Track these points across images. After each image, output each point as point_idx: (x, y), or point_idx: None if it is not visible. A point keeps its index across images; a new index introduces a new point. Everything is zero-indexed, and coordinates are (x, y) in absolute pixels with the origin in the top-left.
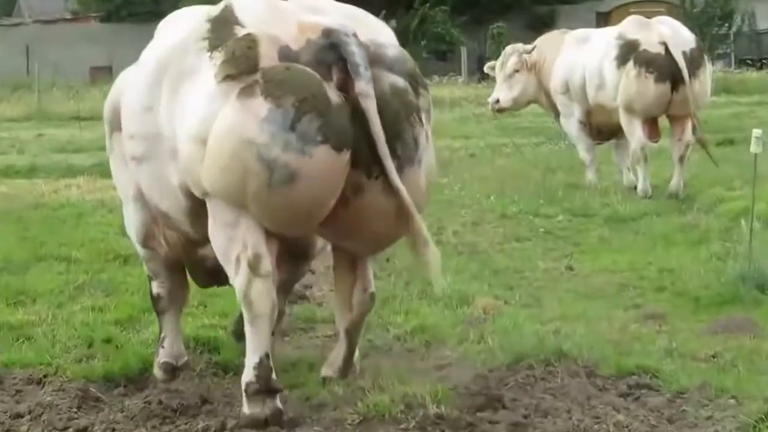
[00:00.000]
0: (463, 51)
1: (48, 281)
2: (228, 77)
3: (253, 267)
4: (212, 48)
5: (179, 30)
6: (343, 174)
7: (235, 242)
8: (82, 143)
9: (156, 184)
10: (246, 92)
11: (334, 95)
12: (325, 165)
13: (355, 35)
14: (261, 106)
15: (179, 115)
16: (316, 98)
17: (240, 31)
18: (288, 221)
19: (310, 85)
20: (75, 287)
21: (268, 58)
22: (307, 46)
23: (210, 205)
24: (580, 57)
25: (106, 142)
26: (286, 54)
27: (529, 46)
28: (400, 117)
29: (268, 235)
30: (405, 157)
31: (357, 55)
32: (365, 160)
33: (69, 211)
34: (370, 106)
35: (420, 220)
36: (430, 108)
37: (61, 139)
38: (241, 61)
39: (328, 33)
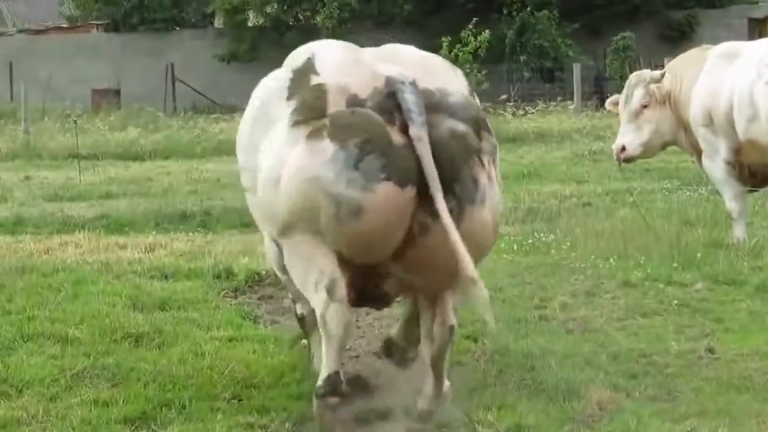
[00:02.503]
0: (576, 69)
1: (38, 367)
2: (298, 122)
3: (330, 292)
4: (290, 96)
5: (281, 73)
6: (407, 209)
7: (312, 270)
8: (81, 189)
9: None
10: (314, 135)
11: (396, 136)
12: (388, 199)
13: (412, 83)
14: (327, 146)
15: (265, 153)
16: (378, 139)
17: (315, 81)
18: (359, 250)
19: (372, 127)
20: (72, 375)
21: (335, 105)
22: (373, 93)
23: (286, 241)
24: (726, 79)
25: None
26: (353, 101)
27: (657, 73)
28: (458, 159)
29: (342, 265)
30: (464, 197)
31: (410, 102)
32: (430, 200)
33: (64, 276)
34: (423, 149)
35: (468, 259)
36: (494, 151)
37: (54, 184)
38: (309, 108)
39: (388, 81)
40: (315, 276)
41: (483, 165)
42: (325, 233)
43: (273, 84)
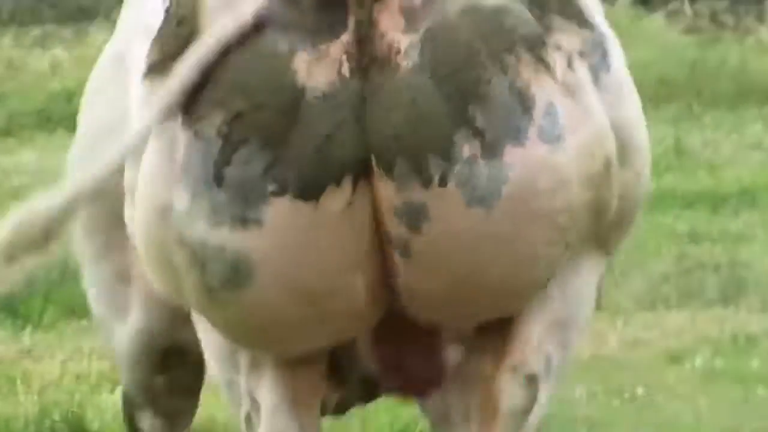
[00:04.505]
0: None
1: None
2: (151, 69)
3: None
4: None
5: None
6: (341, 228)
7: (239, 396)
8: None
9: None
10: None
11: (323, 74)
12: (292, 233)
13: None
14: (179, 136)
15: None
16: (267, 105)
17: None
18: (276, 340)
19: (260, 77)
20: None
21: (222, 10)
22: None
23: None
24: None
25: None
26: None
27: None
28: (475, 55)
29: (299, 368)
30: (493, 128)
31: None
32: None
33: None
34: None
35: None
36: (585, 51)
37: None
38: (168, 30)
39: None
40: (244, 412)
41: (547, 68)
42: (205, 317)
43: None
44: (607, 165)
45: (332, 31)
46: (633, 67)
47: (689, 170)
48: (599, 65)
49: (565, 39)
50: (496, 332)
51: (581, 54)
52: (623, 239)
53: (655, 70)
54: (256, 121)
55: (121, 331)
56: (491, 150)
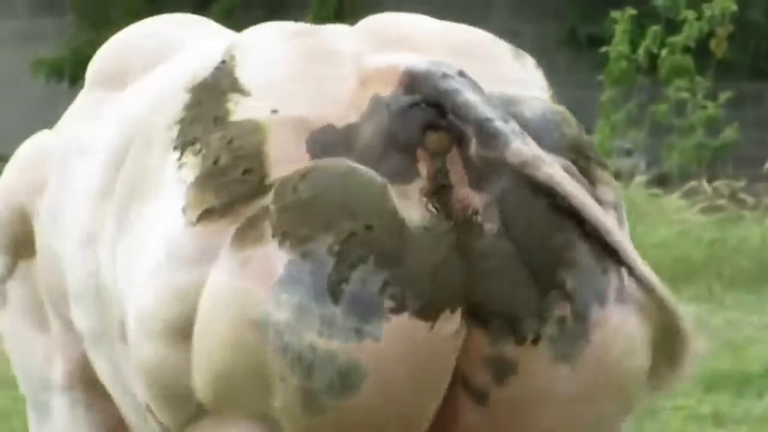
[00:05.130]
0: None
1: None
2: (208, 214)
3: None
4: (183, 144)
5: (161, 78)
6: (448, 355)
7: None
8: None
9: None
10: (245, 236)
11: (415, 210)
12: (407, 348)
13: (463, 74)
14: (274, 258)
15: (129, 270)
16: (377, 226)
17: (238, 108)
18: None
19: (364, 201)
20: None
21: (287, 162)
22: (373, 111)
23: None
24: None
25: None
26: (325, 143)
27: None
28: (554, 222)
29: None
30: (581, 290)
31: (478, 105)
32: (508, 316)
33: None
34: (554, 173)
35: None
36: (618, 205)
37: None
38: (230, 179)
39: (411, 79)
40: None
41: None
42: (283, 422)
43: (143, 114)
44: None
45: (403, 179)
46: (651, 247)
47: (711, 351)
48: (622, 219)
49: (606, 192)
50: None
51: (615, 208)
52: None
53: (673, 250)
54: (371, 240)
55: None
56: (579, 312)
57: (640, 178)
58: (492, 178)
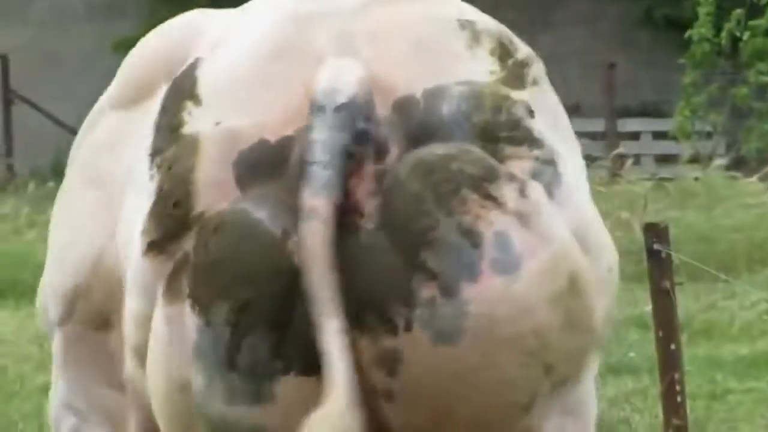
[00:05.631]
0: None
1: None
2: (151, 247)
3: None
4: (153, 154)
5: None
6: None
7: None
8: None
9: None
10: (171, 288)
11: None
12: (300, 404)
13: (340, 108)
14: (189, 321)
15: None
16: (267, 294)
17: (190, 119)
18: None
19: (257, 267)
20: None
21: (212, 189)
22: (301, 134)
23: None
24: None
25: None
26: (254, 160)
27: None
28: (422, 204)
29: None
30: (447, 269)
31: (316, 146)
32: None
33: None
34: (310, 236)
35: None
36: (539, 172)
37: None
38: (166, 212)
39: (314, 102)
40: None
41: (496, 202)
42: None
43: (105, 130)
44: (574, 278)
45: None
46: (728, 231)
47: None
48: (552, 181)
49: (518, 166)
50: None
51: (534, 175)
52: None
53: (750, 233)
54: (262, 309)
55: None
56: (448, 289)
57: (719, 161)
58: (386, 181)
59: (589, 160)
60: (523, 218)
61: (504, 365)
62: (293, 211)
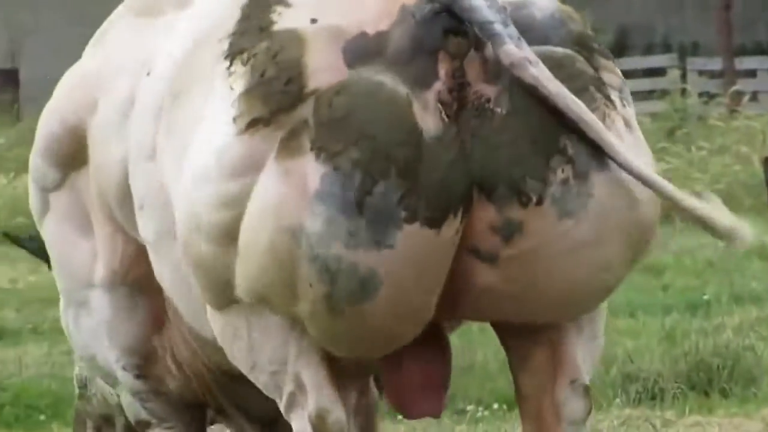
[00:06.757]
0: None
1: None
2: (255, 123)
3: (318, 426)
4: (233, 54)
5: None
6: (449, 252)
7: (284, 380)
8: None
9: (174, 276)
10: (287, 146)
11: (431, 120)
12: (416, 255)
13: None
14: (312, 170)
15: (175, 170)
16: (397, 142)
17: (281, 19)
18: (366, 347)
19: (388, 118)
20: None
21: (324, 71)
22: (401, 20)
23: (241, 317)
24: None
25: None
26: (359, 50)
27: None
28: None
29: (344, 370)
30: (584, 156)
31: (482, 9)
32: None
33: None
34: (539, 75)
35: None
36: (623, 88)
37: None
38: (274, 90)
39: None
40: (290, 389)
41: (613, 104)
42: (309, 323)
43: (204, 29)
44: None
45: (425, 81)
46: None
47: None
48: (628, 100)
49: (610, 78)
50: (546, 350)
51: (620, 90)
52: None
53: None
54: (394, 156)
55: None
56: (580, 173)
57: None
58: (504, 73)
59: (708, 96)
60: (628, 123)
61: (610, 246)
62: (408, 83)
